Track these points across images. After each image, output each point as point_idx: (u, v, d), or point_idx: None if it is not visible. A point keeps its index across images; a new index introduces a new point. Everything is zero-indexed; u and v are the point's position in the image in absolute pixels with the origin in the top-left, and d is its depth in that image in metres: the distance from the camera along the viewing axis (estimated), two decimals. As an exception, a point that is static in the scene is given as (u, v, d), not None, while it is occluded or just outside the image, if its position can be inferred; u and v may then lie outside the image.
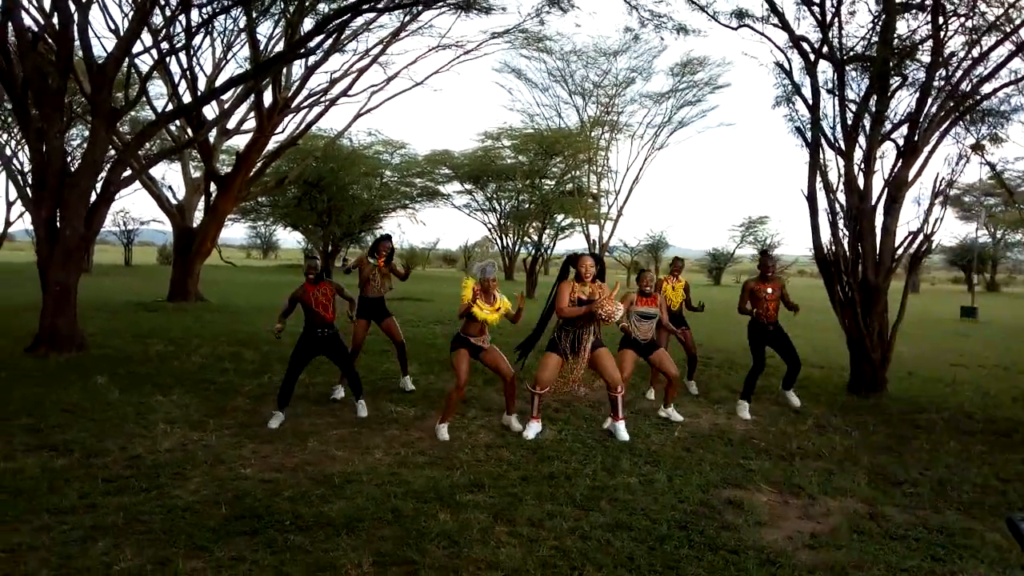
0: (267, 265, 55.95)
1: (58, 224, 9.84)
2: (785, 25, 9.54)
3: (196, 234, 18.61)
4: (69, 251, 9.81)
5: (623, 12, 36.61)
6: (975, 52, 8.98)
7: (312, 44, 13.77)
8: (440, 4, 14.23)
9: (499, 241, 40.51)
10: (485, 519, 4.33)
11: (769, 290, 7.78)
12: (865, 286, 9.02)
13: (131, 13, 12.78)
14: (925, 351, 13.84)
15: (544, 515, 4.41)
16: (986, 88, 9.22)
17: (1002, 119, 9.98)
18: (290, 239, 53.46)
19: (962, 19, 9.05)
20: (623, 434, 6.41)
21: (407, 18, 17.64)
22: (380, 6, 12.26)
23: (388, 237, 8.24)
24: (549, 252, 35.94)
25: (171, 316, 14.69)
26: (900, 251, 9.14)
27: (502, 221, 39.58)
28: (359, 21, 15.77)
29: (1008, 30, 8.84)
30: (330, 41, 15.81)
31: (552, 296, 6.58)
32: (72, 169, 10.42)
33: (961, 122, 9.56)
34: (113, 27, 14.18)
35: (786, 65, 9.74)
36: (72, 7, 9.91)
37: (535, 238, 34.71)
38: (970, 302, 26.95)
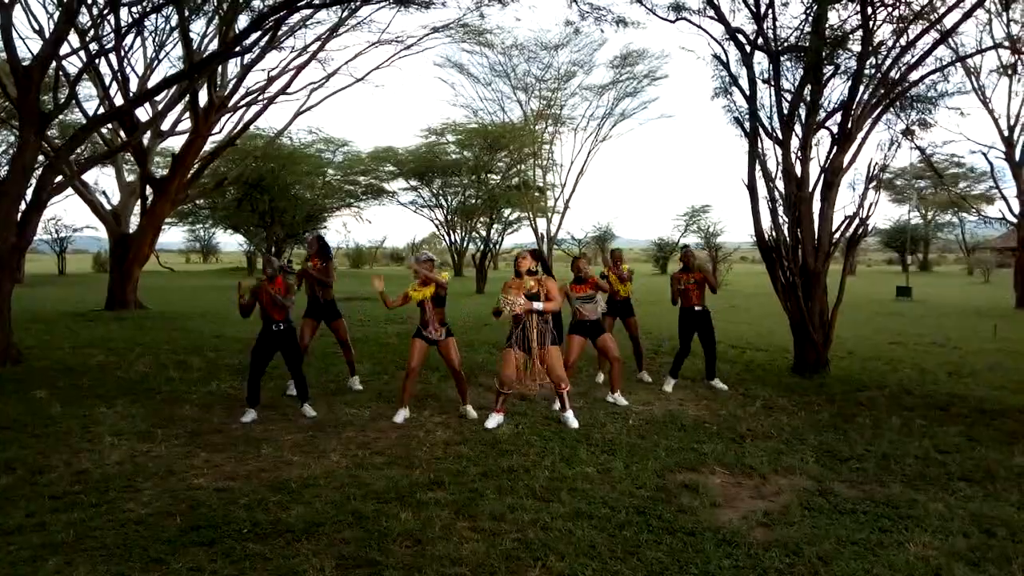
0: (207, 269, 54.62)
1: (-13, 234, 9.45)
2: (721, 17, 9.73)
3: (133, 240, 18.03)
4: (1, 261, 9.45)
5: (563, 5, 36.84)
6: (903, 41, 9.30)
7: (248, 42, 13.48)
8: (378, -1, 14.08)
9: (447, 237, 40.28)
10: (447, 516, 4.34)
11: (691, 279, 8.48)
12: (805, 270, 9.29)
13: (57, 13, 12.32)
14: (864, 331, 14.31)
15: (505, 509, 4.45)
16: (914, 75, 9.57)
17: (930, 105, 10.35)
18: (231, 242, 52.43)
19: (889, 9, 9.36)
20: (572, 422, 6.59)
21: (345, 13, 17.35)
22: (316, 2, 12.06)
23: (317, 237, 8.33)
24: (497, 247, 35.92)
25: (110, 325, 14.24)
26: (837, 235, 9.44)
27: (449, 217, 39.37)
28: (296, 17, 15.48)
29: (933, 19, 9.18)
30: (266, 38, 15.48)
31: None
32: (0, 176, 10.00)
33: (892, 109, 9.90)
34: (38, 28, 13.67)
35: (723, 57, 9.94)
36: (-7, 8, 9.52)
37: (483, 233, 34.69)
38: (905, 282, 28.00)
